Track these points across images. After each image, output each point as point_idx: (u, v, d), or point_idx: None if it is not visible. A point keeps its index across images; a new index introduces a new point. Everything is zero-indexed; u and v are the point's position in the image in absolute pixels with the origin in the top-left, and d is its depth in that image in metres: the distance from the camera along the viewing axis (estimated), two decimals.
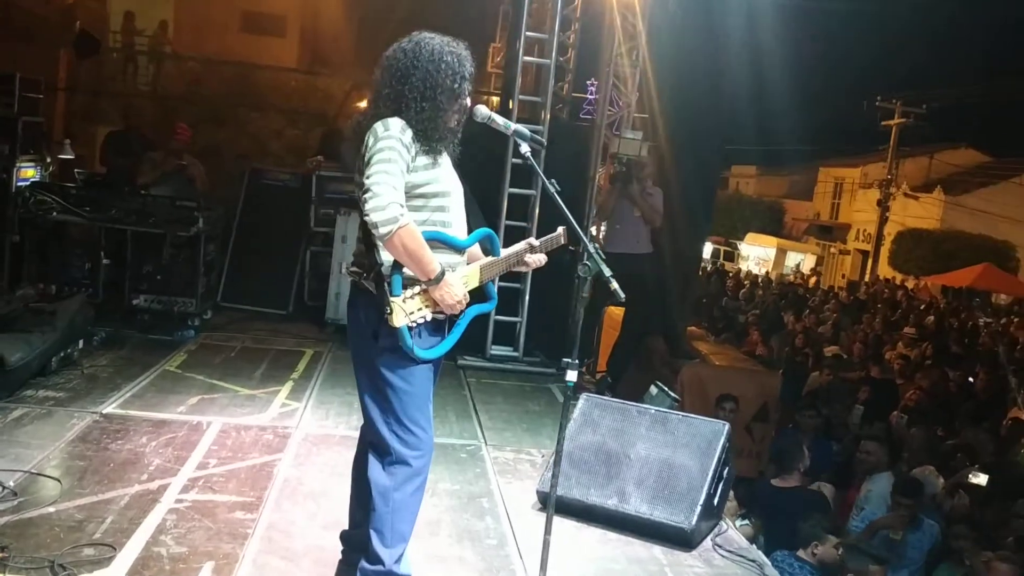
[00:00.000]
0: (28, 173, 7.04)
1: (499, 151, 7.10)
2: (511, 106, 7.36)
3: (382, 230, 2.73)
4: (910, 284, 27.92)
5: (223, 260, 8.21)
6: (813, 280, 28.19)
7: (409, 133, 2.89)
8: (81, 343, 5.95)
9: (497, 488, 4.61)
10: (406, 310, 2.85)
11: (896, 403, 8.84)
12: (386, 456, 3.04)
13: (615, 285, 2.90)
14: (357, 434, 3.30)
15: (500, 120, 3.17)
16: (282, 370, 6.38)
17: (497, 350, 7.32)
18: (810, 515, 5.02)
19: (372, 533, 3.04)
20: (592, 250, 2.96)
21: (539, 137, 3.20)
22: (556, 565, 3.16)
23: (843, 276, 33.87)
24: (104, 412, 4.97)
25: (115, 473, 4.16)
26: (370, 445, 3.10)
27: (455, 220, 3.08)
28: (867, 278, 30.53)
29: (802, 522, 4.96)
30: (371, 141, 2.86)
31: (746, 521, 5.62)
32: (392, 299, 2.83)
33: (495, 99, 13.13)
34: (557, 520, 3.17)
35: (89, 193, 7.04)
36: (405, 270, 2.85)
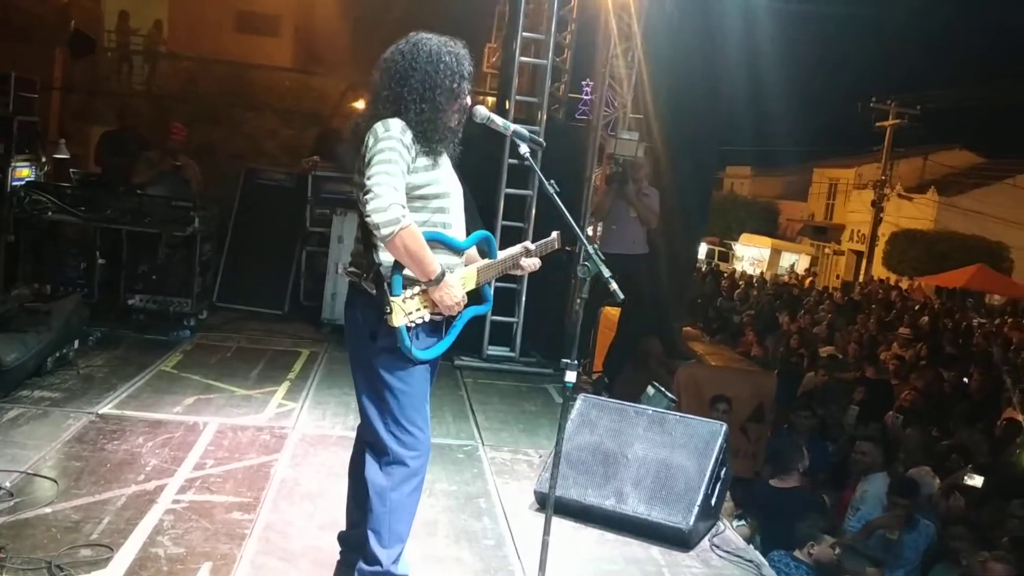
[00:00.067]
0: (23, 173, 7.01)
1: (495, 152, 7.10)
2: (508, 106, 7.36)
3: (384, 231, 2.72)
4: (904, 285, 27.99)
5: (219, 260, 8.19)
6: (809, 281, 28.19)
7: (409, 134, 2.89)
8: (76, 343, 5.93)
9: (494, 488, 4.61)
10: (405, 310, 2.85)
11: (891, 403, 8.86)
12: (383, 456, 3.03)
13: (614, 286, 2.90)
14: (354, 434, 3.30)
15: (499, 121, 3.17)
16: (278, 370, 6.37)
17: (494, 350, 7.31)
18: (806, 515, 5.03)
19: (369, 534, 3.04)
20: (591, 251, 2.96)
21: (538, 138, 3.20)
22: (554, 565, 3.16)
23: (837, 277, 33.95)
24: (100, 412, 4.96)
25: (112, 474, 4.14)
26: (367, 445, 3.10)
27: (455, 221, 3.08)
28: (861, 279, 30.59)
29: (798, 522, 4.97)
30: (371, 141, 2.85)
31: (743, 522, 5.64)
32: (392, 299, 2.82)
33: (491, 99, 13.13)
34: (555, 520, 3.16)
35: (84, 193, 7.03)
36: (405, 271, 2.85)
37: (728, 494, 5.00)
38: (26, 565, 3.20)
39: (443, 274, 2.88)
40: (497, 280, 3.37)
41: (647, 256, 7.45)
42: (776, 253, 36.99)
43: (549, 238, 3.35)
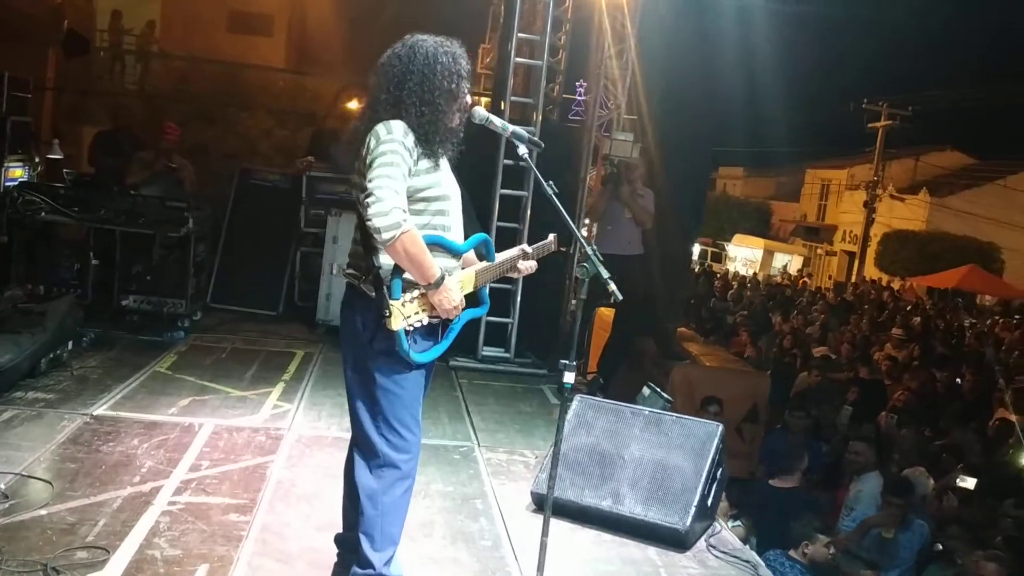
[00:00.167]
0: (16, 173, 7.00)
1: (491, 152, 7.10)
2: (503, 107, 7.36)
3: (384, 235, 2.72)
4: (896, 285, 28.09)
5: (213, 261, 8.17)
6: (803, 282, 28.25)
7: (411, 137, 2.88)
8: (70, 344, 5.90)
9: (491, 489, 4.61)
10: (404, 314, 2.85)
11: (884, 404, 8.89)
12: (373, 459, 3.03)
13: (613, 286, 2.91)
14: (349, 435, 3.28)
15: (497, 122, 3.17)
16: (273, 371, 6.35)
17: (489, 351, 7.31)
18: (801, 515, 5.04)
19: (362, 537, 3.04)
20: (590, 252, 2.97)
21: (536, 139, 3.20)
22: (551, 566, 3.16)
23: (829, 277, 34.07)
24: (95, 414, 4.94)
25: (107, 475, 4.13)
26: (357, 448, 3.10)
27: (454, 224, 3.08)
28: (853, 279, 30.70)
29: (794, 522, 4.99)
30: (373, 143, 2.85)
31: (738, 522, 5.65)
32: (391, 302, 2.82)
33: (484, 100, 13.14)
34: (552, 521, 3.17)
35: (78, 193, 6.99)
36: (404, 274, 2.84)
37: (723, 494, 5.01)
38: (22, 568, 3.19)
39: (443, 278, 2.88)
40: (492, 281, 3.37)
41: (642, 257, 7.45)
42: (769, 254, 37.11)
43: (546, 240, 3.35)
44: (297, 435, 5.06)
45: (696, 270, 24.80)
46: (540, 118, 7.50)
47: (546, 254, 3.38)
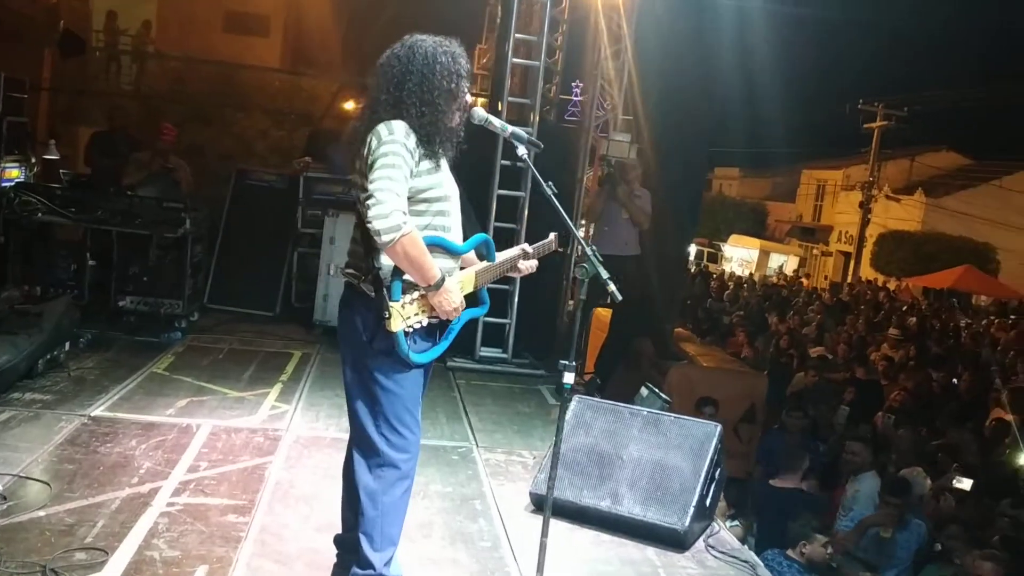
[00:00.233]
0: (12, 174, 6.98)
1: (488, 153, 7.10)
2: (500, 108, 7.36)
3: (384, 238, 2.72)
4: (892, 286, 28.14)
5: (210, 261, 8.16)
6: (804, 282, 28.24)
7: (413, 138, 2.87)
8: (67, 345, 5.89)
9: (489, 490, 4.61)
10: (404, 315, 2.85)
11: (881, 404, 8.90)
12: (373, 458, 3.03)
13: (613, 287, 2.91)
14: (347, 436, 3.27)
15: (497, 122, 3.17)
16: (271, 372, 6.35)
17: (486, 352, 7.31)
18: (799, 514, 5.05)
19: (361, 537, 3.04)
20: (590, 252, 2.97)
21: (536, 140, 3.20)
22: (550, 567, 3.16)
23: (825, 278, 34.12)
24: (92, 415, 4.93)
25: (105, 476, 4.12)
26: (357, 448, 3.09)
27: (454, 225, 3.08)
28: (849, 279, 30.76)
29: (792, 521, 4.99)
30: (374, 144, 2.84)
31: (736, 522, 5.66)
32: (391, 304, 2.82)
33: (480, 100, 13.14)
34: (551, 522, 3.17)
35: (75, 194, 6.99)
36: (404, 275, 2.84)
37: (721, 494, 5.01)
38: (21, 569, 3.18)
39: (443, 279, 2.88)
40: (492, 282, 3.37)
41: (639, 257, 7.46)
42: (764, 254, 37.15)
43: (547, 240, 3.35)
44: (295, 436, 5.06)
45: (692, 270, 24.82)
46: (537, 119, 7.51)
47: (547, 253, 3.38)
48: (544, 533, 3.10)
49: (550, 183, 3.08)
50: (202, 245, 7.56)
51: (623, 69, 8.57)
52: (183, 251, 7.03)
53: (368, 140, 2.86)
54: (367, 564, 3.03)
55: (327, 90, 16.97)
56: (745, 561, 4.10)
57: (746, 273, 31.59)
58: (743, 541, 4.94)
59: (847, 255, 33.92)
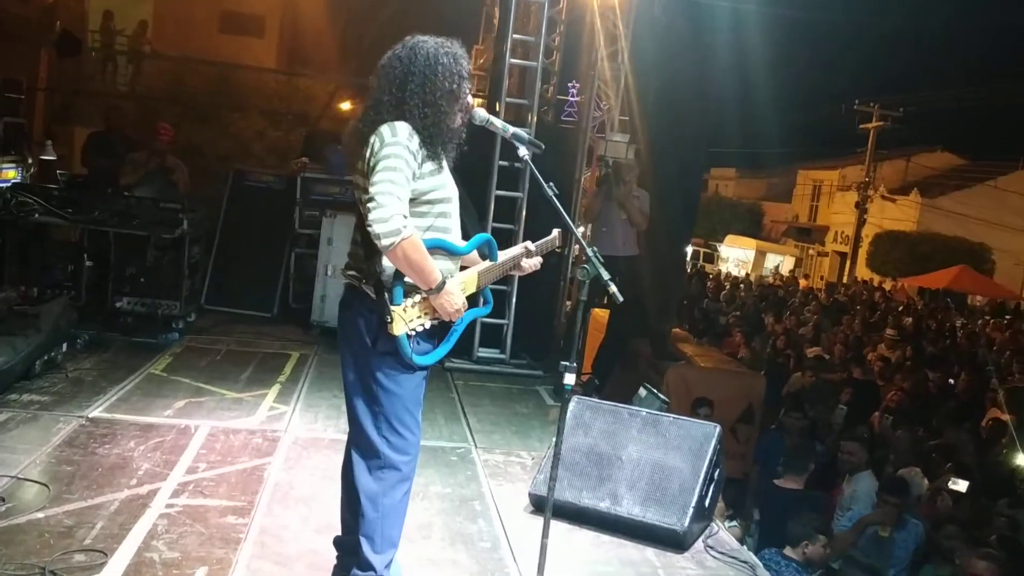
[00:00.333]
0: (9, 174, 6.96)
1: (486, 153, 7.10)
2: (498, 108, 7.35)
3: (384, 242, 2.71)
4: (887, 286, 28.20)
5: (207, 262, 8.15)
6: (802, 282, 28.26)
7: (416, 139, 2.87)
8: (65, 346, 5.88)
9: (488, 491, 4.61)
10: (406, 319, 2.85)
11: (878, 404, 8.91)
12: (374, 460, 3.03)
13: (614, 288, 2.91)
14: (346, 437, 3.27)
15: (498, 123, 3.17)
16: (268, 373, 6.34)
17: (484, 352, 7.31)
18: (800, 515, 5.05)
19: (362, 539, 3.03)
20: (591, 253, 2.97)
21: (537, 140, 3.20)
22: (549, 567, 3.16)
23: (821, 278, 34.19)
24: (90, 416, 4.92)
25: (104, 478, 4.11)
26: (357, 449, 3.08)
27: (455, 226, 3.08)
28: (845, 280, 30.82)
29: (793, 522, 4.99)
30: (377, 146, 2.83)
31: (734, 522, 5.66)
32: (393, 308, 2.82)
33: (478, 101, 13.14)
34: (550, 523, 3.17)
35: (71, 194, 6.97)
36: (406, 278, 2.84)
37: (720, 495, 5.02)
38: (20, 571, 3.17)
39: (444, 282, 2.88)
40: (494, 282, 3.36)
41: (637, 258, 7.46)
42: (761, 254, 37.20)
43: (550, 237, 3.34)
44: (294, 437, 5.05)
45: (688, 271, 24.85)
46: (535, 119, 7.51)
47: (550, 250, 3.37)
48: (545, 534, 3.10)
49: (551, 184, 3.08)
50: (199, 246, 7.55)
51: (620, 70, 8.57)
52: (180, 252, 7.01)
53: (371, 141, 2.85)
54: (367, 566, 3.03)
55: (324, 90, 16.98)
56: (744, 562, 4.11)
57: (742, 273, 31.62)
58: (741, 541, 4.94)
59: (843, 255, 33.98)
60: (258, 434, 5.01)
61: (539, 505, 4.24)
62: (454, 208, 3.08)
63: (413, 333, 2.89)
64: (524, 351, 7.51)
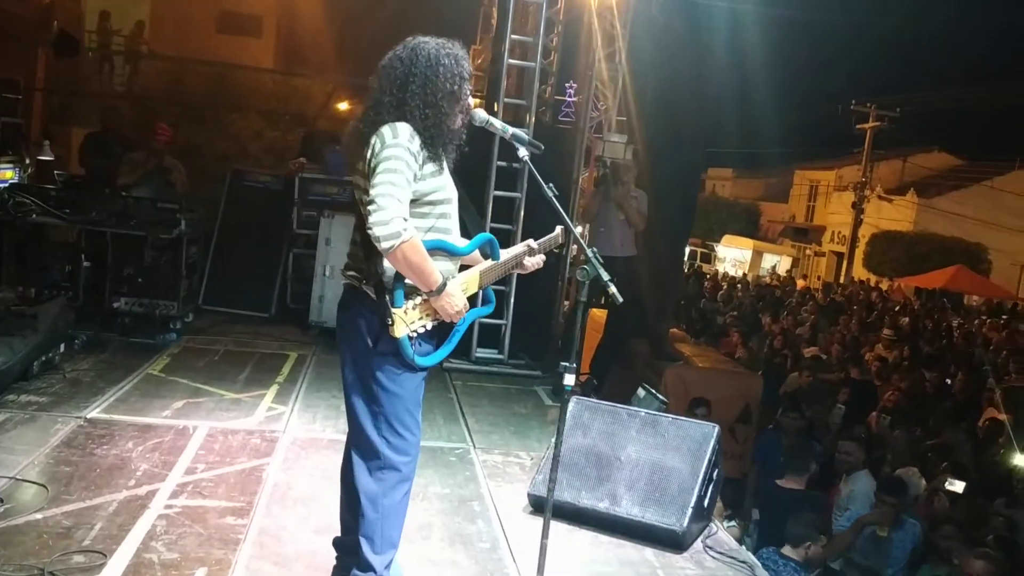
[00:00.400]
0: (6, 175, 6.94)
1: (484, 153, 7.10)
2: (496, 109, 7.35)
3: (384, 244, 2.71)
4: (884, 286, 28.24)
5: (205, 262, 8.14)
6: (801, 282, 28.29)
7: (417, 140, 2.86)
8: (62, 347, 5.87)
9: (487, 491, 4.61)
10: (407, 321, 2.85)
11: (875, 404, 8.93)
12: (374, 460, 3.02)
13: (614, 289, 2.91)
14: (345, 438, 3.26)
15: (498, 124, 3.17)
16: (267, 373, 6.33)
17: (482, 353, 7.31)
18: (803, 515, 5.06)
19: (362, 540, 3.03)
20: (591, 254, 2.97)
21: (536, 141, 3.20)
22: (549, 568, 3.16)
23: (818, 278, 34.23)
24: (88, 417, 4.91)
25: (102, 479, 4.11)
26: (357, 450, 3.08)
27: (455, 226, 3.08)
28: (842, 280, 30.86)
29: (793, 522, 5.00)
30: (378, 147, 2.82)
31: (732, 522, 5.67)
32: (394, 310, 2.82)
33: (475, 101, 13.12)
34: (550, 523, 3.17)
35: (69, 195, 6.95)
36: (406, 280, 2.84)
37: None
38: (19, 572, 3.17)
39: (445, 284, 2.88)
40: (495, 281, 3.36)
41: (635, 258, 7.47)
42: (758, 254, 37.26)
43: (553, 234, 3.32)
44: (292, 437, 5.05)
45: (686, 271, 24.86)
46: (533, 120, 7.51)
47: (553, 247, 3.37)
48: (544, 534, 3.10)
49: (551, 185, 3.08)
50: (197, 246, 7.54)
51: (617, 70, 8.57)
52: (178, 252, 7.00)
53: (372, 142, 2.84)
54: (367, 567, 3.03)
55: (321, 90, 16.97)
56: (743, 562, 4.11)
57: (739, 273, 31.66)
58: (740, 541, 4.95)
59: (840, 255, 34.03)
60: (256, 434, 5.01)
61: (538, 505, 4.25)
62: (454, 209, 3.08)
63: (415, 335, 2.89)
64: (522, 351, 7.50)
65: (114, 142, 8.49)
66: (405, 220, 2.74)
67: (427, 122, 2.89)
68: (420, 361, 2.92)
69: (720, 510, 5.63)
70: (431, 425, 5.52)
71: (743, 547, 4.49)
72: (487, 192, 7.22)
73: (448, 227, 3.03)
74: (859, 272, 31.47)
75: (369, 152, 2.84)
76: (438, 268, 2.88)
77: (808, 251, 37.64)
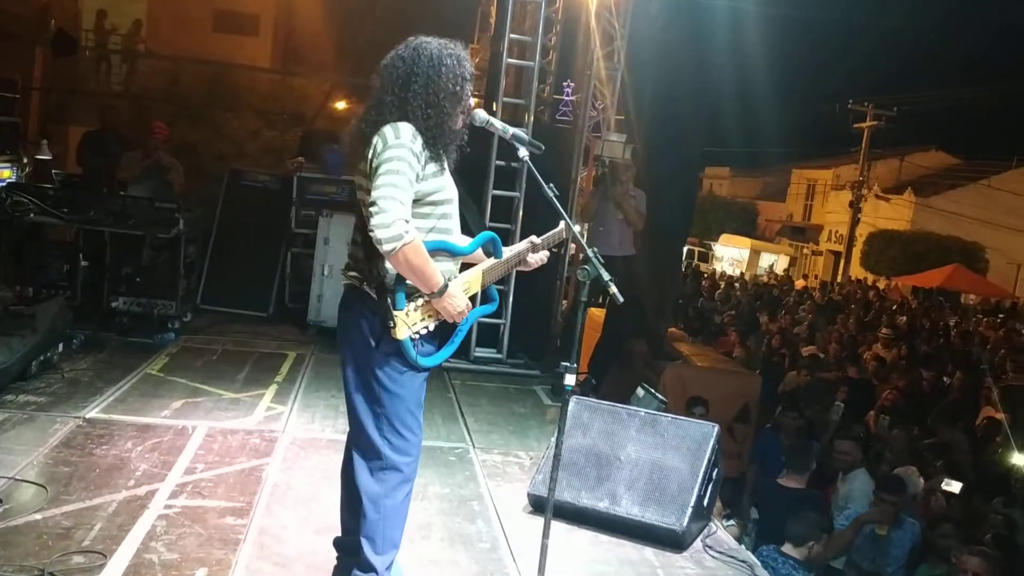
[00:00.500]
0: (4, 174, 6.93)
1: (482, 153, 7.10)
2: (495, 108, 7.36)
3: (386, 247, 2.70)
4: (881, 285, 28.26)
5: (203, 262, 8.13)
6: (800, 282, 28.30)
7: (419, 141, 2.86)
8: (61, 346, 5.87)
9: (487, 491, 4.61)
10: (409, 323, 2.85)
11: (873, 403, 8.93)
12: (375, 461, 3.02)
13: (614, 289, 2.91)
14: (344, 438, 3.27)
15: (498, 124, 3.17)
16: (265, 373, 6.33)
17: (481, 352, 7.31)
18: (805, 515, 5.06)
19: (363, 541, 3.02)
20: (591, 254, 2.97)
21: (537, 141, 3.19)
22: (548, 567, 3.16)
23: (816, 277, 34.25)
24: (87, 417, 4.91)
25: (101, 479, 4.10)
26: (358, 450, 3.07)
27: (456, 226, 3.07)
28: (839, 279, 30.88)
29: (795, 521, 5.00)
30: (380, 147, 2.82)
31: (731, 522, 5.66)
32: (396, 313, 2.82)
33: (473, 101, 13.10)
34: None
35: (67, 194, 6.95)
36: (408, 281, 2.84)
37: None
38: (19, 573, 3.17)
39: (446, 285, 2.87)
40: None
41: (633, 257, 7.47)
42: (755, 253, 37.26)
43: (556, 230, 3.31)
44: (292, 437, 5.05)
45: (683, 270, 24.84)
46: (532, 119, 7.51)
47: (557, 243, 3.37)
48: (545, 534, 3.10)
49: (551, 184, 3.08)
50: (195, 245, 7.54)
51: (616, 69, 8.57)
52: (176, 251, 7.00)
53: (373, 142, 2.84)
54: (369, 567, 3.03)
55: (319, 89, 16.95)
56: (743, 561, 4.11)
57: (737, 272, 31.67)
58: (739, 541, 4.95)
59: (837, 254, 34.06)
60: (256, 434, 5.00)
61: (538, 505, 4.25)
62: (455, 209, 3.07)
63: (417, 336, 2.89)
64: (521, 351, 7.51)
65: (112, 141, 8.49)
66: (407, 222, 2.73)
67: (429, 122, 2.88)
68: (423, 362, 2.92)
69: (719, 509, 5.63)
70: (430, 425, 5.49)
71: (743, 546, 4.48)
72: (486, 191, 7.22)
73: (449, 227, 3.02)
74: (856, 271, 31.49)
75: (371, 152, 2.83)
76: (440, 269, 2.88)
77: (805, 250, 37.66)
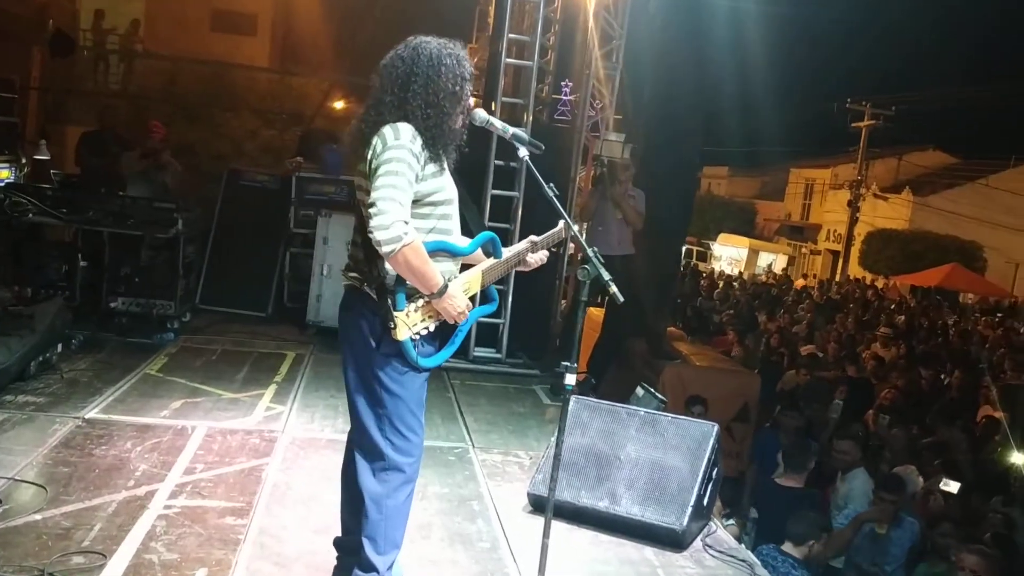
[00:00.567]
0: (3, 174, 6.92)
1: (481, 152, 7.09)
2: (493, 108, 7.35)
3: (386, 248, 2.70)
4: (880, 284, 28.28)
5: (201, 262, 8.12)
6: (800, 282, 28.29)
7: (419, 141, 2.85)
8: (59, 347, 5.86)
9: (487, 491, 4.61)
10: (409, 324, 2.85)
11: (872, 402, 8.94)
12: (377, 462, 3.02)
13: (614, 289, 2.91)
14: (344, 438, 3.27)
15: (498, 124, 3.17)
16: (265, 373, 6.33)
17: (480, 352, 7.31)
18: (805, 514, 5.06)
19: (365, 541, 3.02)
20: (591, 254, 2.97)
21: (537, 141, 3.19)
22: (548, 567, 3.16)
23: (814, 276, 34.26)
24: (86, 417, 4.90)
25: (101, 479, 4.10)
26: (360, 450, 3.07)
27: (455, 227, 3.07)
28: (838, 278, 30.90)
29: (795, 520, 5.00)
30: (379, 147, 2.81)
31: (731, 521, 5.67)
32: (396, 314, 2.81)
33: (472, 100, 13.09)
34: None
35: (65, 194, 6.94)
36: (408, 283, 2.83)
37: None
38: (18, 573, 3.16)
39: (446, 286, 2.87)
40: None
41: (632, 257, 7.46)
42: (754, 253, 37.26)
43: (555, 229, 3.31)
44: (291, 437, 5.05)
45: (682, 269, 24.83)
46: (531, 119, 7.50)
47: (556, 243, 3.37)
48: (546, 534, 3.10)
49: (551, 184, 3.08)
50: (194, 245, 7.52)
51: (615, 69, 8.57)
52: (175, 251, 6.99)
53: (373, 142, 2.84)
54: (369, 567, 3.02)
55: (317, 89, 16.94)
56: (743, 560, 4.12)
57: (735, 272, 31.68)
58: (738, 540, 4.95)
59: (835, 254, 34.08)
60: (255, 434, 5.00)
61: (537, 505, 4.25)
62: (455, 209, 3.07)
63: (417, 337, 2.88)
64: (521, 350, 7.51)
65: (110, 141, 8.46)
66: (406, 223, 2.73)
67: (429, 122, 2.88)
68: (423, 363, 2.92)
69: (718, 509, 5.63)
70: (430, 424, 5.44)
71: (743, 546, 4.49)
72: (485, 191, 7.22)
73: (449, 228, 3.02)
74: (855, 270, 31.52)
75: (370, 152, 2.83)
76: (440, 269, 2.88)
77: (804, 249, 37.68)
